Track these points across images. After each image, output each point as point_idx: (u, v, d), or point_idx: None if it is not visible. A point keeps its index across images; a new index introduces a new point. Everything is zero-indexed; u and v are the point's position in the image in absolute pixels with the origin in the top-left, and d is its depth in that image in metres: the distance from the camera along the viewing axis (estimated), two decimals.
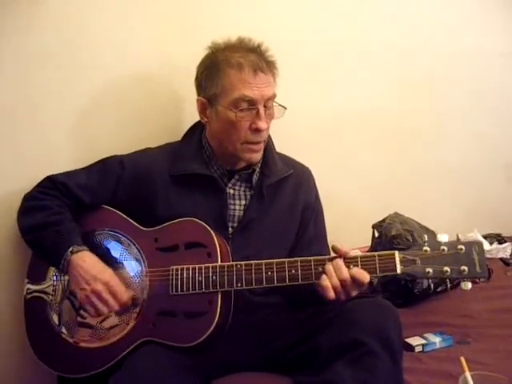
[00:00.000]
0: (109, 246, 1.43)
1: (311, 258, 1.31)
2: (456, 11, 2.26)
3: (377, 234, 1.93)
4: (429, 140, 2.27)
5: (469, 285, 1.26)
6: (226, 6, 1.81)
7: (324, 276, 1.27)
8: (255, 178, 1.51)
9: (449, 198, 2.32)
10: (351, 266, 1.27)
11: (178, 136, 1.58)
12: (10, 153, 1.56)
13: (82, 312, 1.40)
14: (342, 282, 1.25)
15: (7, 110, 1.55)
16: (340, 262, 1.27)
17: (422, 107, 2.23)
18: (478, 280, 1.30)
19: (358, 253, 1.94)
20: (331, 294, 1.26)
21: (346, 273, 1.25)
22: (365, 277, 1.26)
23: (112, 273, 1.36)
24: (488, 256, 2.10)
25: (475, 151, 2.36)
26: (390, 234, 1.86)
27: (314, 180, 1.62)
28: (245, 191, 1.50)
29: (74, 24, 1.60)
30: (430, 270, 1.25)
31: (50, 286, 1.44)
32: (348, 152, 2.10)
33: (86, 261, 1.34)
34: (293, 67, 1.82)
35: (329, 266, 1.27)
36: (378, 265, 1.27)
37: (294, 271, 1.30)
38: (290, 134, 1.68)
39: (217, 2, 1.80)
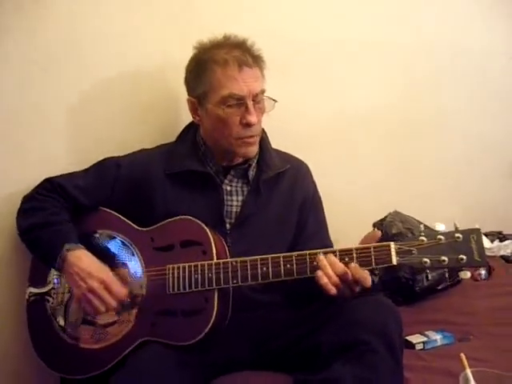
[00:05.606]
0: (106, 247, 1.43)
1: (306, 251, 1.29)
2: (460, 11, 2.25)
3: None
4: (430, 138, 2.26)
5: (468, 273, 1.22)
6: (227, 5, 1.81)
7: (320, 273, 1.25)
8: (251, 173, 1.51)
9: (450, 196, 2.31)
10: (347, 260, 1.25)
11: (174, 136, 1.59)
12: (11, 155, 1.57)
13: None
14: (341, 276, 1.24)
15: (9, 112, 1.56)
16: (332, 257, 1.25)
17: (424, 106, 2.22)
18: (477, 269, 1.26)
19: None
20: (331, 289, 1.24)
21: (341, 266, 1.24)
22: (363, 276, 1.24)
23: (108, 270, 1.37)
24: (489, 254, 2.11)
25: (477, 149, 2.35)
26: (391, 233, 1.85)
27: (311, 174, 1.61)
28: (242, 187, 1.51)
29: (77, 25, 1.61)
30: (427, 260, 1.22)
31: (51, 289, 1.45)
32: (348, 150, 2.10)
33: (81, 259, 1.34)
34: (296, 66, 1.82)
35: (323, 262, 1.26)
36: (373, 257, 1.24)
37: (289, 266, 1.29)
38: (291, 132, 1.68)
39: (217, 2, 1.80)
